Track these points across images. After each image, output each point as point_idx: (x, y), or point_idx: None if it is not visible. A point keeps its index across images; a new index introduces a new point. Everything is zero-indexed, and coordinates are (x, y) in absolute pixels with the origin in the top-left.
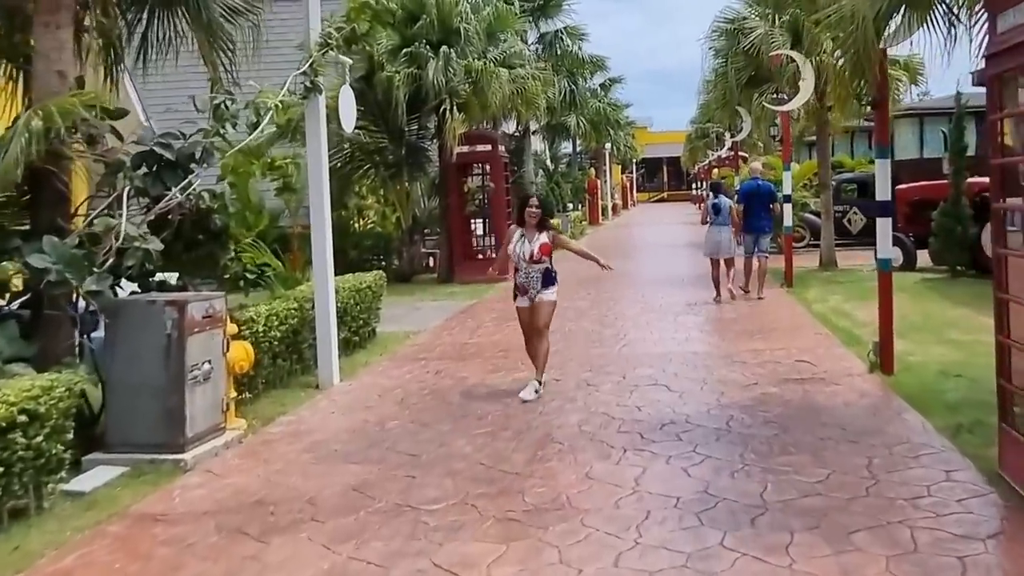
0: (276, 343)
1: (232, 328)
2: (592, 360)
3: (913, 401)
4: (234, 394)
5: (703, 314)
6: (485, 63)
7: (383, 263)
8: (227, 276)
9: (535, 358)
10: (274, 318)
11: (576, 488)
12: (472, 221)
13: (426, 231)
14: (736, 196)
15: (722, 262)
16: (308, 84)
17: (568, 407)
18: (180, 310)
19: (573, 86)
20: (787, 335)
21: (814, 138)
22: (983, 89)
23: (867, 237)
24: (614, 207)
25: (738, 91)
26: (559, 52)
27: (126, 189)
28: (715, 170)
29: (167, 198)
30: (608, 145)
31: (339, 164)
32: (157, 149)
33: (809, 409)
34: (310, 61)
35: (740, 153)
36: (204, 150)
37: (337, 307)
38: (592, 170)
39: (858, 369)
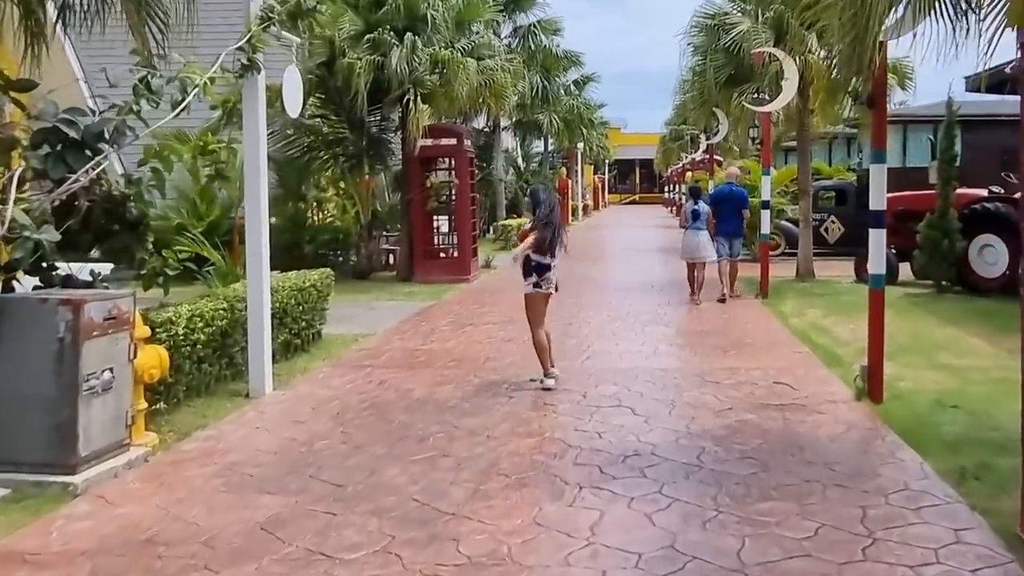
0: (201, 347)
1: (143, 331)
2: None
3: (907, 436)
4: (144, 405)
5: (673, 325)
6: (452, 52)
7: (340, 259)
8: (144, 272)
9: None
10: (198, 319)
11: (520, 536)
12: (435, 218)
13: (387, 227)
14: (708, 199)
15: (697, 265)
16: (245, 61)
17: (520, 430)
18: (75, 311)
19: (546, 82)
20: (763, 352)
21: (791, 143)
22: (974, 96)
23: (844, 247)
24: (585, 208)
25: (716, 90)
26: (532, 47)
27: (18, 170)
28: (688, 173)
29: (69, 181)
30: (580, 145)
31: (296, 154)
32: (61, 126)
33: (791, 442)
34: (248, 35)
35: (715, 156)
36: (116, 129)
37: (276, 308)
38: (563, 169)
39: (843, 395)
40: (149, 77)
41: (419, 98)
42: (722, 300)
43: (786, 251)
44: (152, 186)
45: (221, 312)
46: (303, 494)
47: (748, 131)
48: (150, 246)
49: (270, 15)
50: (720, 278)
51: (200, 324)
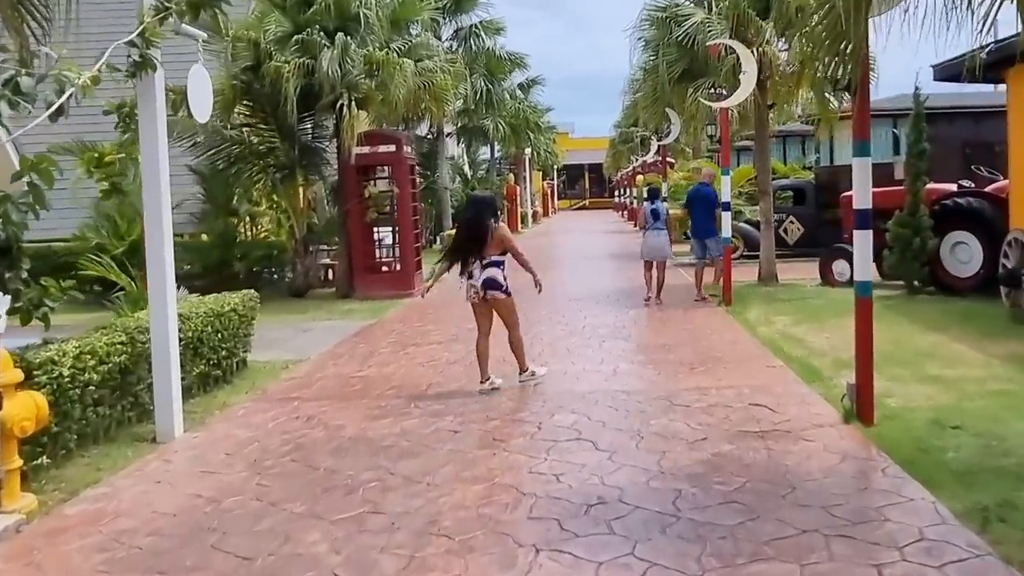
0: (94, 388)
1: (13, 376)
2: (502, 402)
3: (910, 467)
4: (17, 463)
5: (633, 338)
6: (388, 54)
7: (275, 276)
8: (19, 305)
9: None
10: (89, 356)
11: None
12: (376, 230)
13: (324, 241)
14: (684, 200)
15: (655, 265)
16: (137, 58)
17: (466, 474)
18: None
19: (490, 85)
20: (734, 368)
21: (745, 143)
22: (933, 88)
23: (804, 247)
24: (534, 214)
25: (670, 87)
26: (475, 49)
27: None
28: (639, 176)
29: None
30: (528, 150)
31: (221, 165)
32: None
33: (779, 480)
34: (140, 28)
35: (667, 159)
36: None
37: (190, 336)
38: (511, 176)
39: (829, 416)
40: (18, 77)
41: (353, 103)
42: (702, 298)
43: (745, 254)
44: (26, 205)
45: (119, 346)
46: (200, 572)
47: (704, 129)
48: (25, 274)
49: (166, 4)
50: (696, 281)
51: (92, 362)
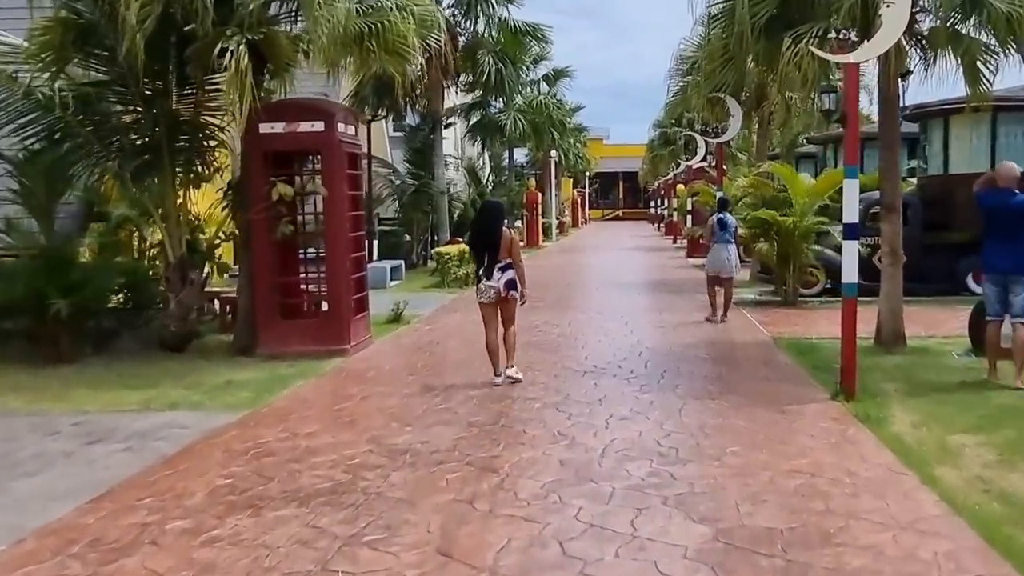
0: None
1: None
2: None
3: None
4: None
5: (701, 507)
6: None
7: (141, 319)
8: None
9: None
10: None
11: None
12: (301, 251)
13: (213, 265)
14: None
15: (722, 281)
16: None
17: None
18: None
19: (500, 63)
20: None
21: (810, 148)
22: None
23: (904, 283)
24: (561, 225)
25: (753, 38)
26: (486, 24)
27: None
28: (680, 186)
29: None
30: (554, 153)
31: (39, 145)
32: None
33: None
34: None
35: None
36: None
37: None
38: (532, 181)
39: None
40: None
41: (243, 50)
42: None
43: (827, 287)
44: None
45: None
46: None
47: (814, 100)
48: None
49: None
50: (989, 350)
51: None
